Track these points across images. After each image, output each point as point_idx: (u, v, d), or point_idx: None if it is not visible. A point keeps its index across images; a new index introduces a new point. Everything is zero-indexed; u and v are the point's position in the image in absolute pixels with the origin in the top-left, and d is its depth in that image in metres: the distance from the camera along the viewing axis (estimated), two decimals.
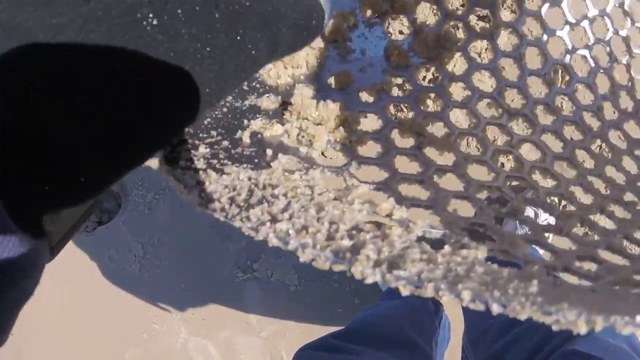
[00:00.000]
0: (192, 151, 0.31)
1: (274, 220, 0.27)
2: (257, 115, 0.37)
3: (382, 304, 1.09)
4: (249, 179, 0.31)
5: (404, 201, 0.35)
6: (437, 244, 0.27)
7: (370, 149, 0.41)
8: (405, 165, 0.40)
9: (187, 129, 0.33)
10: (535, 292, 0.22)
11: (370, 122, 0.43)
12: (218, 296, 1.57)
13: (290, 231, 0.27)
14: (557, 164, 0.43)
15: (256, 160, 0.33)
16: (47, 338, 1.90)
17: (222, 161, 0.32)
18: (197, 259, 1.58)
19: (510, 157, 0.43)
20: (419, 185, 0.38)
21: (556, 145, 0.44)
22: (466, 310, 1.02)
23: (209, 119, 0.35)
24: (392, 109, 0.45)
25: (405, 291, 0.23)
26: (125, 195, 1.68)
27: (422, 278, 0.23)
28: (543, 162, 0.42)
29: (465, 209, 0.36)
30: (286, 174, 0.33)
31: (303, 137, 0.38)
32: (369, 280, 0.24)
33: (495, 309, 0.22)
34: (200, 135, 0.33)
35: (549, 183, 0.41)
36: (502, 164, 0.42)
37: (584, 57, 0.47)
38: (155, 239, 1.62)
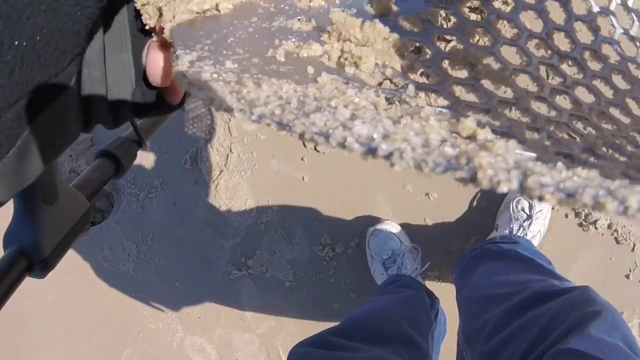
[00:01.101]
0: (217, 66, 0.28)
1: (345, 126, 0.22)
2: (290, 37, 0.34)
3: (378, 299, 1.08)
4: (295, 91, 0.26)
5: (483, 125, 0.30)
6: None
7: (423, 77, 0.37)
8: (464, 96, 0.36)
9: (207, 47, 0.30)
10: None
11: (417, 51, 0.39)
12: (213, 294, 1.57)
13: (375, 135, 0.21)
14: (612, 110, 0.40)
15: (297, 77, 0.29)
16: (44, 338, 1.89)
17: (255, 75, 0.28)
18: (191, 256, 1.57)
19: (567, 97, 0.40)
20: (485, 114, 0.34)
21: (607, 92, 0.41)
22: (462, 306, 1.02)
23: (232, 38, 0.32)
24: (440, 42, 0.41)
25: (554, 201, 0.18)
26: (118, 194, 1.67)
27: (569, 186, 0.18)
28: (599, 106, 0.40)
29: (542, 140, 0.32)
30: (338, 88, 0.29)
31: (346, 59, 0.34)
32: (503, 189, 0.18)
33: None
34: (224, 52, 0.30)
35: (609, 127, 0.38)
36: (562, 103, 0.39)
37: (626, 8, 0.45)
38: (148, 237, 1.61)
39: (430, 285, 1.32)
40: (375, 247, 1.28)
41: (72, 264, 1.72)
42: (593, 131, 0.37)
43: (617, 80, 0.43)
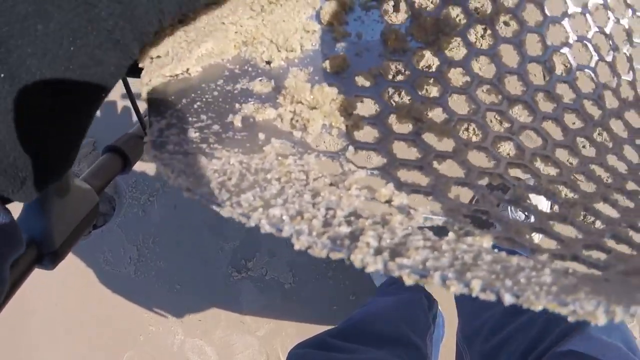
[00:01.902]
0: (181, 135, 0.30)
1: (266, 205, 0.26)
2: (250, 99, 0.36)
3: (377, 301, 1.09)
4: (240, 163, 0.29)
5: (404, 187, 0.34)
6: (440, 232, 0.25)
7: (367, 134, 0.40)
8: (403, 151, 0.39)
9: (176, 114, 0.32)
10: (549, 281, 0.21)
11: (366, 107, 0.42)
12: (213, 296, 1.57)
13: (284, 217, 0.25)
14: (559, 151, 0.42)
15: (248, 145, 0.32)
16: (45, 340, 1.89)
17: (212, 145, 0.30)
18: (192, 259, 1.58)
19: (511, 143, 0.42)
20: (418, 171, 0.37)
21: (557, 133, 0.43)
22: (460, 307, 1.02)
23: (198, 103, 0.34)
24: (389, 94, 0.44)
25: (409, 280, 0.22)
26: (120, 197, 1.68)
27: (428, 266, 0.22)
28: (544, 150, 0.41)
29: (466, 196, 0.34)
30: (279, 158, 0.32)
31: (297, 121, 0.37)
32: (370, 269, 0.22)
33: (508, 299, 0.20)
34: (190, 119, 0.32)
35: (551, 171, 0.40)
36: (503, 151, 0.41)
37: (585, 45, 0.46)
38: (149, 240, 1.61)
39: (429, 286, 1.33)
40: None
41: (74, 267, 1.73)
42: (530, 180, 0.39)
43: (570, 118, 0.44)
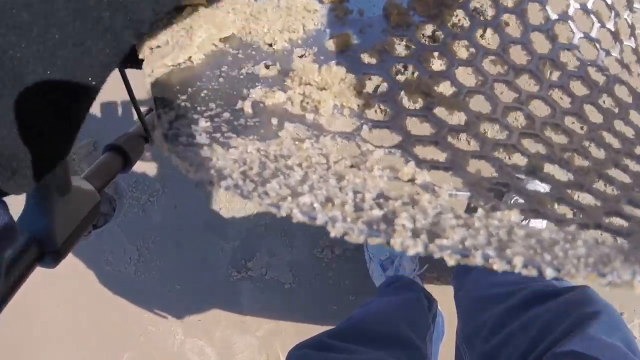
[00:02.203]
0: (192, 126, 0.30)
1: (294, 194, 0.25)
2: (257, 84, 0.36)
3: (376, 301, 1.09)
4: (258, 150, 0.29)
5: (423, 164, 0.33)
6: (468, 210, 0.25)
7: (379, 112, 0.39)
8: (416, 127, 0.39)
9: (183, 104, 0.32)
10: (584, 253, 0.21)
11: (375, 85, 0.42)
12: (213, 296, 1.57)
13: (315, 204, 0.25)
14: (567, 119, 0.41)
15: (262, 131, 0.32)
16: (46, 341, 1.90)
17: (225, 134, 0.30)
18: (192, 259, 1.58)
19: (521, 113, 0.42)
20: (434, 146, 0.37)
21: (564, 101, 0.43)
22: (460, 307, 1.02)
23: (205, 91, 0.33)
24: (396, 70, 0.43)
25: (451, 261, 0.22)
26: (120, 198, 1.68)
27: (467, 246, 0.22)
28: (553, 118, 0.41)
29: (485, 170, 0.34)
30: (297, 143, 0.31)
31: (307, 103, 0.37)
32: (411, 252, 0.22)
33: (549, 273, 0.20)
34: (198, 108, 0.32)
35: (562, 139, 0.40)
36: (514, 122, 0.41)
37: (586, 12, 0.46)
38: (149, 241, 1.62)
39: (428, 286, 1.33)
40: (373, 249, 1.29)
41: (74, 268, 1.73)
42: (542, 150, 0.38)
43: (576, 86, 0.44)
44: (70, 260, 1.71)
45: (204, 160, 0.27)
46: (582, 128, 0.41)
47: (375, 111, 0.40)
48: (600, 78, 0.45)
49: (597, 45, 0.46)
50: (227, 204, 1.50)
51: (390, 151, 0.35)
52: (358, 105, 0.39)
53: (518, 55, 0.46)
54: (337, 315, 1.44)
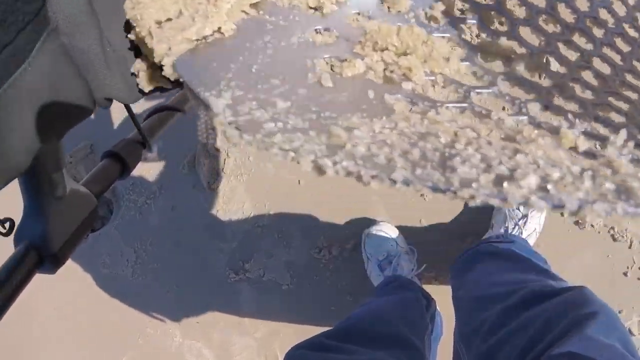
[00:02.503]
0: (269, 109, 0.24)
1: (511, 178, 0.20)
2: (320, 54, 0.30)
3: (374, 302, 1.09)
4: (391, 130, 0.23)
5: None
6: None
7: (471, 76, 0.34)
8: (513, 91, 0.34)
9: (234, 83, 0.25)
10: None
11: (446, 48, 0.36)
12: (211, 298, 1.57)
13: (549, 185, 0.19)
14: (628, 77, 0.38)
15: (364, 106, 0.26)
16: (44, 344, 1.89)
17: (324, 114, 0.24)
18: (189, 261, 1.58)
19: (590, 72, 0.38)
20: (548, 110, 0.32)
21: (616, 59, 0.39)
22: (458, 306, 1.02)
23: (256, 66, 0.28)
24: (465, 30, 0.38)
25: None
26: (117, 200, 1.68)
27: None
28: (617, 76, 0.38)
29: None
30: (425, 118, 0.26)
31: (392, 71, 0.31)
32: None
33: None
34: (259, 86, 0.26)
35: (633, 96, 0.36)
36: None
37: None
38: (147, 243, 1.61)
39: (426, 286, 1.33)
40: (371, 249, 1.29)
41: (71, 271, 1.73)
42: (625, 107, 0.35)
43: (619, 43, 0.41)
44: (68, 263, 1.68)
45: (328, 151, 0.20)
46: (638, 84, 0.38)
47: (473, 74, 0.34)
48: (634, 34, 0.42)
49: (625, 1, 0.44)
50: (224, 206, 1.50)
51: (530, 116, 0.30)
52: (450, 70, 0.34)
53: (564, 13, 0.42)
54: (335, 316, 1.43)
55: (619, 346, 0.63)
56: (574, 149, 0.25)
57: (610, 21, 0.43)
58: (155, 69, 0.28)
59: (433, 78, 0.32)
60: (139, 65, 0.28)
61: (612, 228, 1.24)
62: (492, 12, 0.41)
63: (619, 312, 1.28)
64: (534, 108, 0.31)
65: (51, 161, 0.38)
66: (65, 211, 0.41)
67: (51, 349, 1.88)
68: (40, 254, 0.39)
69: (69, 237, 0.41)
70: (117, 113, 1.62)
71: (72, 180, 0.43)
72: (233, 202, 1.49)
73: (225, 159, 1.48)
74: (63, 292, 1.78)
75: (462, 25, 0.38)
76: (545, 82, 0.36)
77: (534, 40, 0.41)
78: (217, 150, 1.49)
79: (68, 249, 0.41)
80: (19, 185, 0.39)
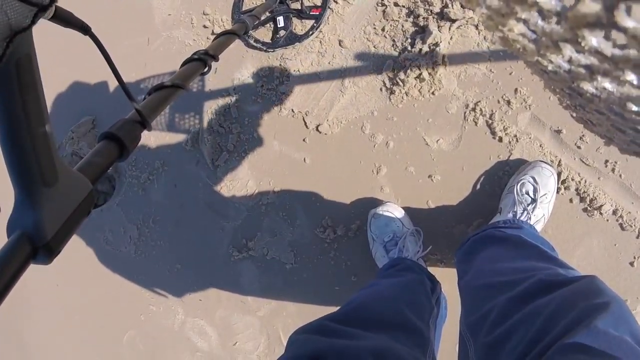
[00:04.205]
0: None
1: None
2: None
3: (379, 284, 1.07)
4: None
5: None
6: None
7: None
8: None
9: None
10: None
11: None
12: (214, 276, 1.56)
13: None
14: None
15: None
16: (46, 321, 1.90)
17: None
18: (192, 239, 1.56)
19: None
20: None
21: None
22: (464, 294, 1.00)
23: None
24: None
25: None
26: (120, 176, 1.66)
27: None
28: None
29: None
30: None
31: None
32: None
33: None
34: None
35: None
36: None
37: None
38: (149, 220, 1.60)
39: (431, 268, 1.31)
40: (377, 230, 1.27)
41: (74, 247, 1.72)
42: None
43: None
44: (70, 240, 1.69)
45: None
46: None
47: None
48: None
49: None
50: (229, 183, 1.48)
51: None
52: None
53: None
54: (339, 296, 1.42)
55: (629, 339, 0.62)
56: None
57: None
58: None
59: None
60: None
61: (621, 217, 1.21)
62: None
63: (625, 300, 1.26)
64: None
65: (40, 146, 0.36)
66: (58, 198, 0.40)
67: (53, 327, 1.88)
68: (33, 244, 0.37)
69: (62, 225, 0.40)
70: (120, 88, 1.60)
71: (65, 165, 0.41)
72: (237, 180, 1.47)
73: (229, 136, 1.45)
74: (65, 270, 1.78)
75: None
76: None
77: None
78: (221, 126, 1.46)
79: (62, 238, 0.40)
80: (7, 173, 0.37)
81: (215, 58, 0.82)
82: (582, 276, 0.77)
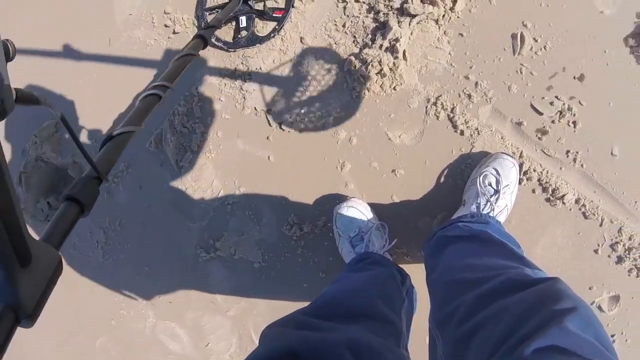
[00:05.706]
0: None
1: None
2: None
3: (349, 277, 1.08)
4: None
5: None
6: None
7: None
8: None
9: None
10: None
11: None
12: (183, 277, 1.55)
13: None
14: None
15: None
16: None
17: None
18: (159, 240, 1.54)
19: None
20: None
21: None
22: (432, 290, 1.01)
23: None
24: None
25: None
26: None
27: None
28: None
29: None
30: None
31: None
32: None
33: None
34: None
35: None
36: None
37: None
38: (116, 223, 1.58)
39: (397, 262, 1.32)
40: (343, 226, 1.27)
41: None
42: None
43: None
44: None
45: None
46: None
47: None
48: None
49: None
50: (194, 183, 1.47)
51: None
52: None
53: None
54: (308, 293, 1.42)
55: (595, 342, 0.63)
56: None
57: None
58: None
59: None
60: None
61: (584, 205, 1.24)
62: None
63: (590, 288, 1.29)
64: None
65: (14, 234, 0.41)
66: (34, 275, 0.45)
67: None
68: (17, 315, 0.43)
69: (39, 297, 0.45)
70: (87, 93, 1.57)
71: (35, 242, 0.46)
72: (202, 180, 1.46)
73: (193, 136, 1.44)
74: None
75: None
76: None
77: None
78: (184, 126, 1.45)
79: (41, 305, 0.45)
80: None
81: (171, 87, 0.84)
82: (547, 278, 0.77)
